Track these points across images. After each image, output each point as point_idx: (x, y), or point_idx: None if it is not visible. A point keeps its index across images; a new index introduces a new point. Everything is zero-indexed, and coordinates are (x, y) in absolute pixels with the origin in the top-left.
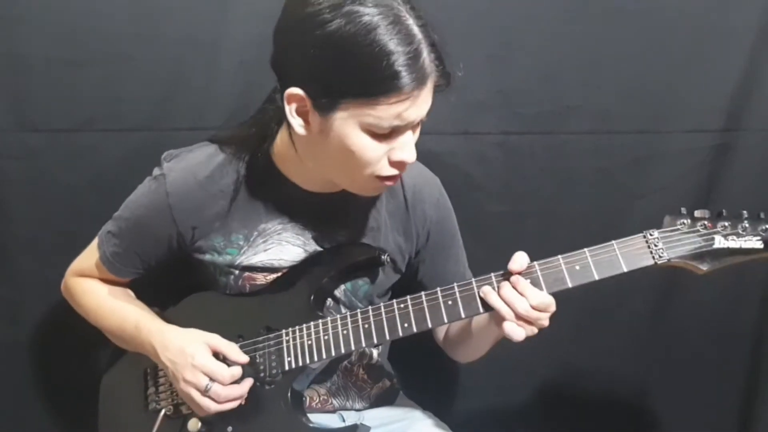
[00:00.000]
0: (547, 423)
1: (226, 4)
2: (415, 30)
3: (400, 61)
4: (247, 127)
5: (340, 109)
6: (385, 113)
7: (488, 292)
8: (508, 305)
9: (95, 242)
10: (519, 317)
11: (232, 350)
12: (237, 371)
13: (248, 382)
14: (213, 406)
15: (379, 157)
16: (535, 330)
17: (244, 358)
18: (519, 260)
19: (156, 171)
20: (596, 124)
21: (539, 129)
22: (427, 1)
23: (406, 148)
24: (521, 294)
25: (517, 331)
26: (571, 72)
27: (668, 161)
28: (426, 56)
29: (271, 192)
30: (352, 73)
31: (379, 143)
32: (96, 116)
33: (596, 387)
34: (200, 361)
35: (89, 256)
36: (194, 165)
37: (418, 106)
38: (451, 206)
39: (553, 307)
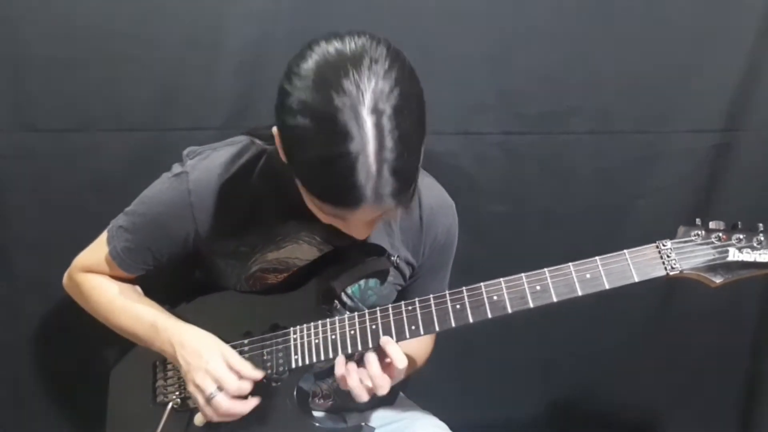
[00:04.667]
0: (546, 424)
1: (226, 4)
2: (364, 165)
3: (331, 189)
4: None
5: (294, 174)
6: (322, 211)
7: (351, 371)
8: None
9: (104, 236)
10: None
11: (246, 367)
12: (246, 386)
13: (253, 402)
14: (213, 417)
15: (332, 221)
16: (386, 390)
17: (258, 375)
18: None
19: (177, 168)
20: (596, 124)
21: (539, 129)
22: (429, 1)
23: (353, 230)
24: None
25: (362, 395)
26: (571, 72)
27: (668, 161)
28: (367, 186)
29: (289, 193)
30: (299, 165)
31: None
32: (96, 116)
33: (596, 388)
34: (213, 366)
35: (96, 250)
36: (218, 164)
37: (363, 214)
38: (457, 232)
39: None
